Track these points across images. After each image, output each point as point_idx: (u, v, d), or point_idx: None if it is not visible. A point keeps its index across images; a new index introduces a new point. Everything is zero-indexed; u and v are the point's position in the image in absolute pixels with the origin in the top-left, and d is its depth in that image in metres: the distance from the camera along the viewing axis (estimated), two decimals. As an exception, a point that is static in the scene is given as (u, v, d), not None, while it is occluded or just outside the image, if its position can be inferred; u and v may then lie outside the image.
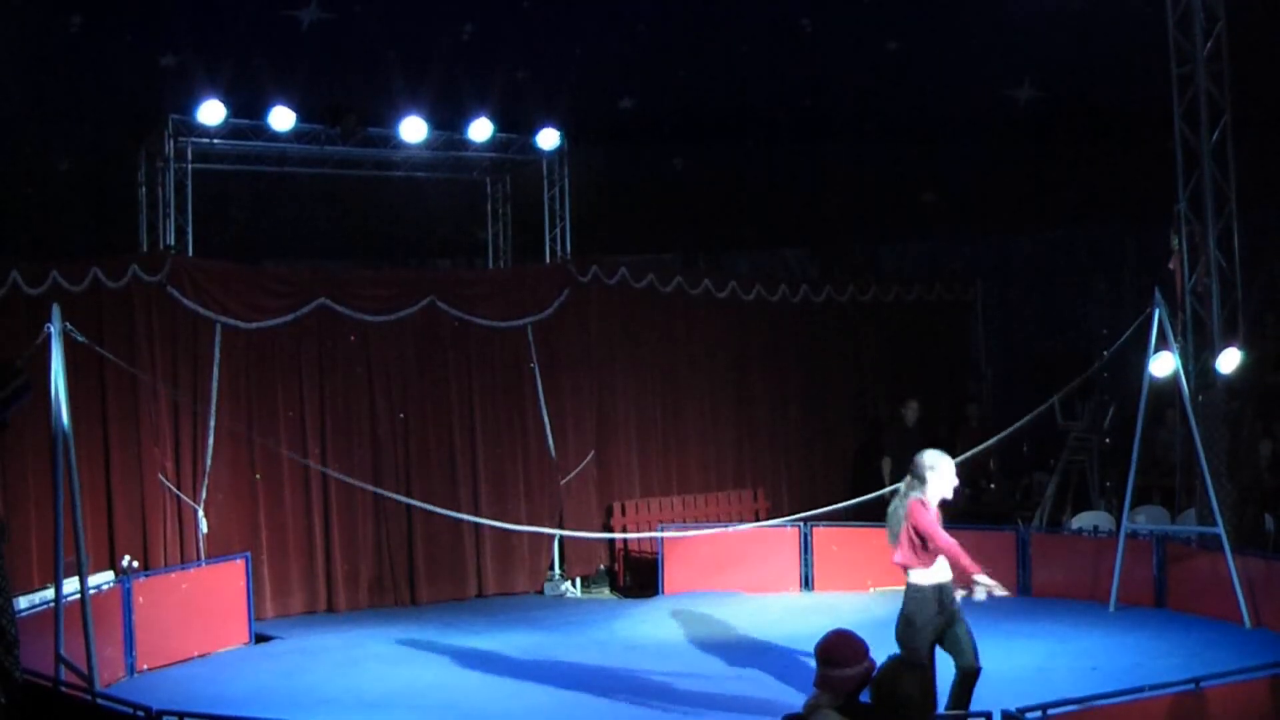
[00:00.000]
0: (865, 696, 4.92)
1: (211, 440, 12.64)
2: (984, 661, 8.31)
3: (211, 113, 13.05)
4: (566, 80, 14.13)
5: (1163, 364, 11.57)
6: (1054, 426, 14.93)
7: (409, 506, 13.42)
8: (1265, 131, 12.55)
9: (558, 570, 14.45)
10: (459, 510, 13.62)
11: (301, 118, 13.48)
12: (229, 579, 11.66)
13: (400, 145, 14.29)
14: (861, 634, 5.22)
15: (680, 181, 16.27)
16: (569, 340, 14.63)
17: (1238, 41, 11.66)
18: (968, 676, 7.93)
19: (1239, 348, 11.79)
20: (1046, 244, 17.64)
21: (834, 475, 15.93)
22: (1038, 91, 14.68)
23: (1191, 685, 7.26)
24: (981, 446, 12.55)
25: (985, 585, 7.79)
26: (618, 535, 14.31)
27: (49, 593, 9.96)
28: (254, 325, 13.06)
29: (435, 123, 14.03)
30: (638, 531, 14.37)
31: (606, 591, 14.37)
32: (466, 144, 14.57)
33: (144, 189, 13.38)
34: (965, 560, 7.80)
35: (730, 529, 13.88)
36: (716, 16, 13.62)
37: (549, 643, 11.53)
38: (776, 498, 15.68)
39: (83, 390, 11.26)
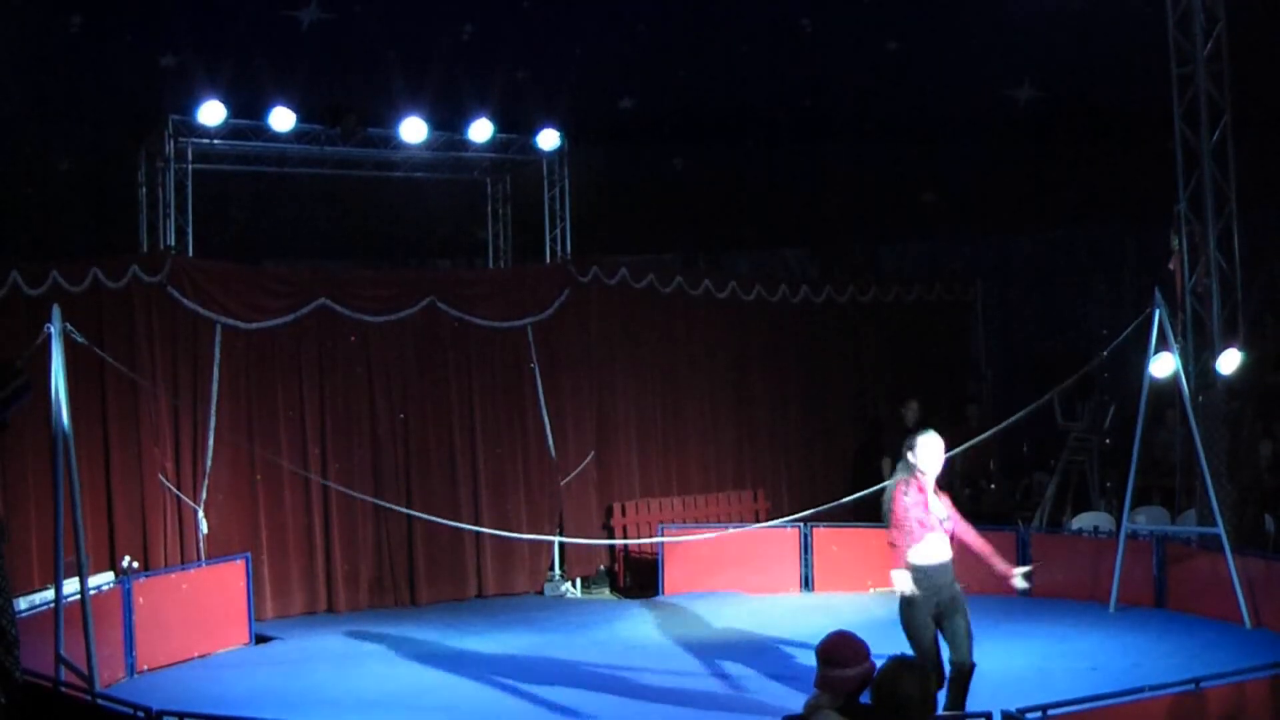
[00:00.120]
0: (866, 697, 4.92)
1: (212, 441, 12.64)
2: (984, 662, 8.33)
3: (211, 113, 13.05)
4: (566, 80, 14.13)
5: (1163, 364, 11.57)
6: (1054, 427, 14.93)
7: (409, 507, 13.43)
8: (1265, 131, 12.55)
9: (558, 571, 14.45)
10: (459, 511, 13.65)
11: (301, 118, 13.48)
12: (229, 579, 11.66)
13: (400, 145, 14.29)
14: (861, 635, 5.22)
15: (680, 181, 16.27)
16: (569, 340, 14.63)
17: (1238, 41, 11.66)
18: (961, 673, 7.95)
19: (1239, 348, 11.79)
20: (1046, 244, 17.63)
21: (834, 475, 15.92)
22: (1038, 91, 14.68)
23: (1191, 685, 7.26)
24: (977, 439, 12.53)
25: (899, 582, 8.07)
26: (618, 541, 14.30)
27: (49, 593, 9.96)
28: (254, 325, 13.06)
29: (435, 123, 14.03)
30: (638, 531, 14.38)
31: (606, 592, 14.37)
32: (466, 144, 14.57)
33: (144, 189, 13.38)
34: (900, 547, 8.05)
35: (730, 530, 13.89)
36: (716, 16, 13.62)
37: (549, 643, 11.53)
38: (777, 498, 15.67)
39: (83, 390, 11.26)
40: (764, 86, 14.80)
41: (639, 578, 14.20)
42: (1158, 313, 11.36)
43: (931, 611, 8.03)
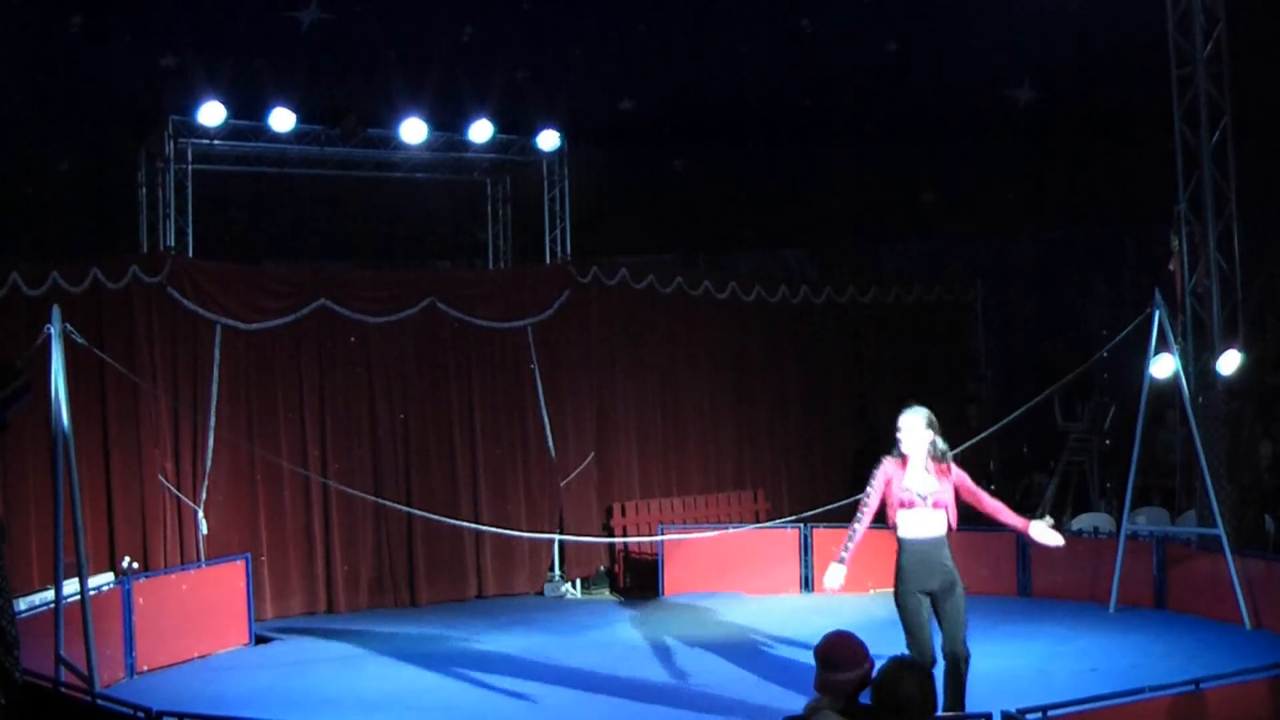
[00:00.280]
0: (866, 697, 4.92)
1: (211, 441, 12.64)
2: (985, 662, 8.32)
3: (211, 114, 13.05)
4: (566, 81, 14.13)
5: (1163, 365, 11.57)
6: (1054, 427, 14.94)
7: (409, 507, 13.45)
8: (1265, 132, 12.56)
9: (558, 571, 14.45)
10: (459, 511, 13.64)
11: (301, 118, 13.48)
12: (229, 580, 11.65)
13: (400, 146, 14.29)
14: (861, 635, 5.22)
15: (680, 182, 16.27)
16: (569, 341, 14.63)
17: (1237, 42, 11.67)
18: (953, 664, 7.90)
19: (1239, 349, 11.79)
20: (1046, 244, 17.64)
21: (834, 476, 15.92)
22: (1038, 92, 14.68)
23: (1191, 686, 7.27)
24: (978, 438, 12.53)
25: (829, 578, 8.32)
26: (617, 540, 14.30)
27: (49, 594, 9.96)
28: (254, 326, 13.06)
29: (435, 124, 14.03)
30: (638, 532, 14.38)
31: (606, 593, 14.37)
32: (466, 145, 14.57)
33: (144, 189, 13.38)
34: (858, 527, 8.18)
35: (730, 530, 13.89)
36: (716, 16, 13.63)
37: (549, 644, 11.52)
38: (777, 499, 15.67)
39: (83, 391, 11.26)
40: (764, 86, 14.80)
41: (639, 578, 14.20)
42: (1158, 313, 11.36)
43: (922, 589, 7.96)
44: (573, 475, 14.46)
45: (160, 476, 12.34)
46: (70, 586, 9.64)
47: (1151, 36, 11.96)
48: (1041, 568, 12.58)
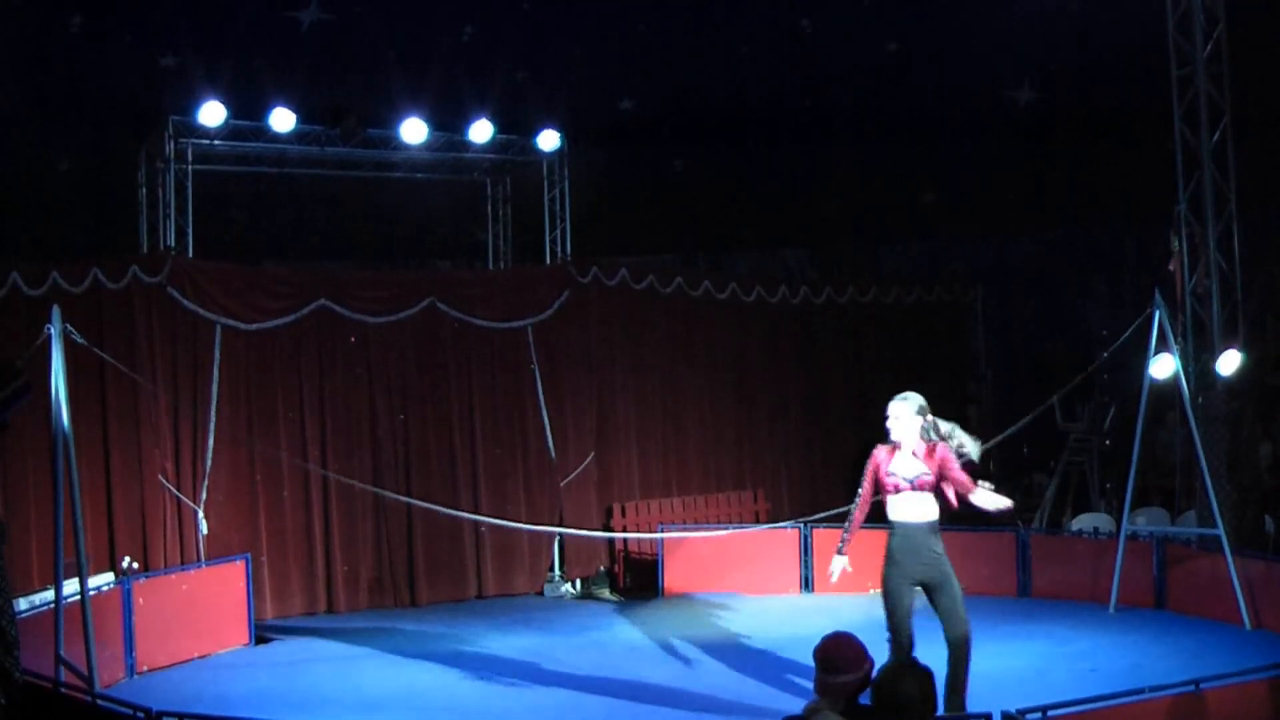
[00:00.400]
0: (866, 698, 4.92)
1: (211, 441, 12.64)
2: (985, 662, 8.33)
3: (212, 114, 13.05)
4: (566, 81, 14.13)
5: (1163, 365, 11.57)
6: (1054, 428, 14.94)
7: (409, 507, 13.45)
8: (1265, 132, 12.56)
9: (558, 571, 14.45)
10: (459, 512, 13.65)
11: (301, 119, 13.48)
12: (229, 580, 11.65)
13: (400, 146, 14.29)
14: (861, 636, 5.22)
15: (680, 182, 16.27)
16: (569, 341, 14.63)
17: (1238, 43, 11.67)
18: (954, 648, 7.93)
19: (1239, 349, 11.80)
20: (1046, 244, 17.65)
21: (834, 477, 15.91)
22: (1038, 92, 14.69)
23: (1191, 687, 7.27)
24: (995, 440, 12.51)
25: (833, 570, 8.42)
26: (617, 535, 14.29)
27: (49, 594, 9.96)
28: (254, 326, 13.06)
29: (435, 124, 14.03)
30: (638, 532, 14.37)
31: (606, 593, 14.36)
32: (467, 145, 14.57)
33: (144, 190, 13.38)
34: (854, 515, 8.40)
35: (730, 530, 13.90)
36: (716, 16, 13.63)
37: (549, 644, 11.52)
38: (777, 499, 15.67)
39: (83, 391, 11.26)
40: (764, 86, 14.80)
41: (639, 579, 14.20)
42: (1158, 314, 11.36)
43: (911, 578, 8.02)
44: (573, 475, 14.46)
45: (160, 476, 12.34)
46: (70, 586, 9.64)
47: (1151, 36, 11.96)
48: (1041, 568, 12.59)
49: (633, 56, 14.23)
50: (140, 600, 10.65)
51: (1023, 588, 12.62)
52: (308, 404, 13.30)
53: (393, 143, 14.24)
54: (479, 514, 13.81)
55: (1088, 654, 10.17)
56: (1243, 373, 11.86)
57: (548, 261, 15.09)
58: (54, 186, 14.12)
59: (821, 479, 16.02)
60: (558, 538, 14.40)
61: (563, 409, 14.52)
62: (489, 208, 15.79)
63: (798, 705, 5.22)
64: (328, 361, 13.45)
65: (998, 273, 17.76)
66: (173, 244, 13.09)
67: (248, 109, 13.31)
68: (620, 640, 11.69)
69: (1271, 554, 11.67)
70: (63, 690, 8.16)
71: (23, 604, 9.87)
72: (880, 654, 5.03)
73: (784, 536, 13.53)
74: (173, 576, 11.48)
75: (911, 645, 8.00)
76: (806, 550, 13.41)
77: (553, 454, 14.42)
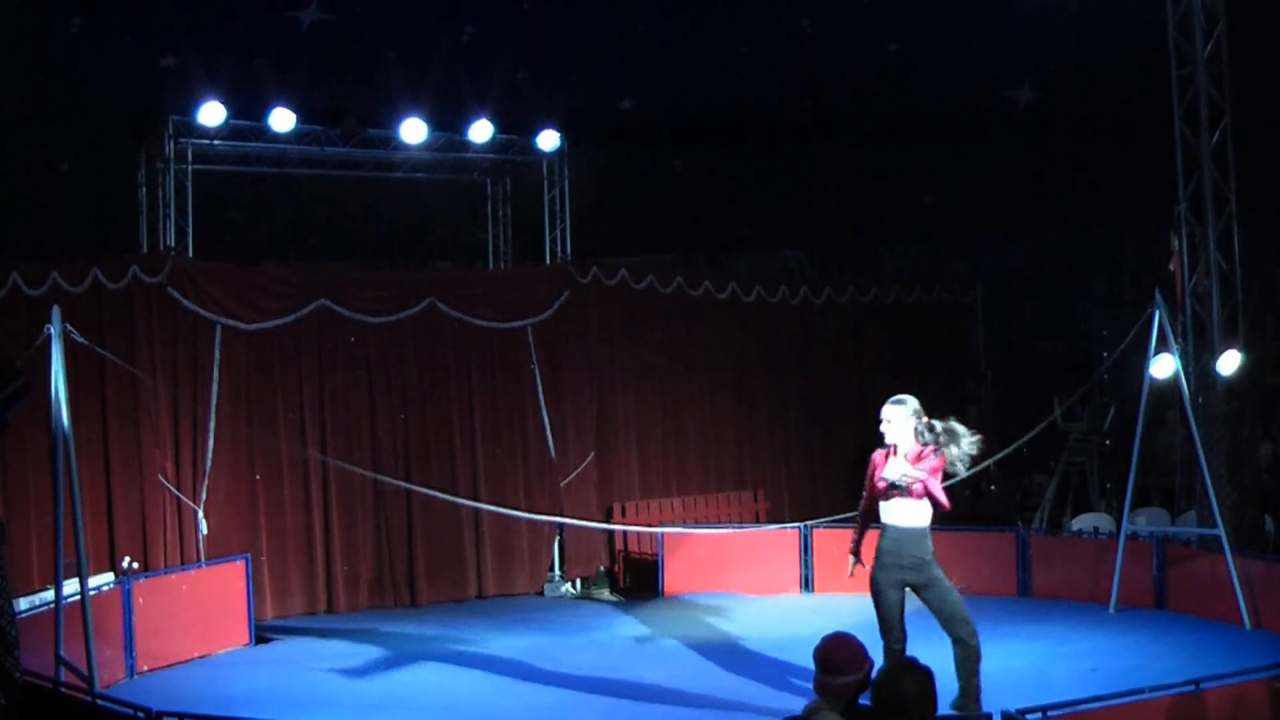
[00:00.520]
0: (866, 698, 4.92)
1: (212, 441, 12.64)
2: (985, 662, 8.32)
3: (211, 114, 13.05)
4: (566, 81, 14.13)
5: (1163, 366, 11.57)
6: (1054, 428, 14.94)
7: (409, 507, 13.47)
8: (1265, 132, 12.56)
9: (558, 571, 14.45)
10: (458, 511, 13.64)
11: (301, 119, 13.48)
12: (229, 580, 11.65)
13: (400, 146, 14.29)
14: (861, 637, 5.22)
15: (680, 182, 16.27)
16: (569, 341, 14.63)
17: (1238, 42, 11.67)
18: (958, 646, 7.97)
19: (1239, 349, 11.80)
20: (1046, 244, 17.65)
21: (834, 477, 15.93)
22: (1038, 92, 14.68)
23: (1191, 686, 7.28)
24: (993, 460, 12.58)
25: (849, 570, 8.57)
26: (616, 527, 14.27)
27: (49, 594, 9.96)
28: (254, 326, 13.05)
29: (435, 124, 14.03)
30: (638, 534, 14.36)
31: (606, 593, 14.37)
32: (466, 145, 14.57)
33: (144, 190, 13.38)
34: (859, 519, 8.61)
35: (730, 530, 13.90)
36: (716, 16, 13.62)
37: (549, 643, 11.53)
38: (777, 499, 15.68)
39: (83, 391, 11.25)
40: (764, 86, 14.80)
41: (639, 578, 14.20)
42: (1158, 314, 11.36)
43: (897, 579, 8.14)
44: (573, 475, 14.46)
45: (160, 476, 12.34)
46: (70, 586, 9.64)
47: (1151, 36, 11.96)
48: (1041, 568, 12.59)
49: (633, 56, 14.22)
50: (140, 600, 10.65)
51: (1023, 588, 12.62)
52: (308, 404, 13.30)
53: (393, 143, 14.24)
54: (479, 517, 13.82)
55: (1088, 654, 10.16)
56: (1243, 373, 11.86)
57: (548, 261, 15.09)
58: (54, 186, 14.12)
59: (821, 479, 16.02)
60: (558, 539, 14.40)
61: (563, 409, 14.52)
62: (489, 208, 15.79)
63: (798, 705, 5.22)
64: (328, 361, 13.45)
65: (998, 273, 17.76)
66: (173, 244, 13.09)
67: (248, 109, 13.30)
68: (620, 640, 11.69)
69: (1271, 554, 11.68)
70: (63, 690, 8.16)
71: (23, 604, 9.87)
72: (880, 654, 5.02)
73: (784, 536, 13.53)
74: (173, 576, 11.48)
75: (903, 645, 8.07)
76: (806, 550, 13.41)
77: (553, 454, 14.42)
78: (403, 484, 12.99)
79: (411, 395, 13.81)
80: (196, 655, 11.05)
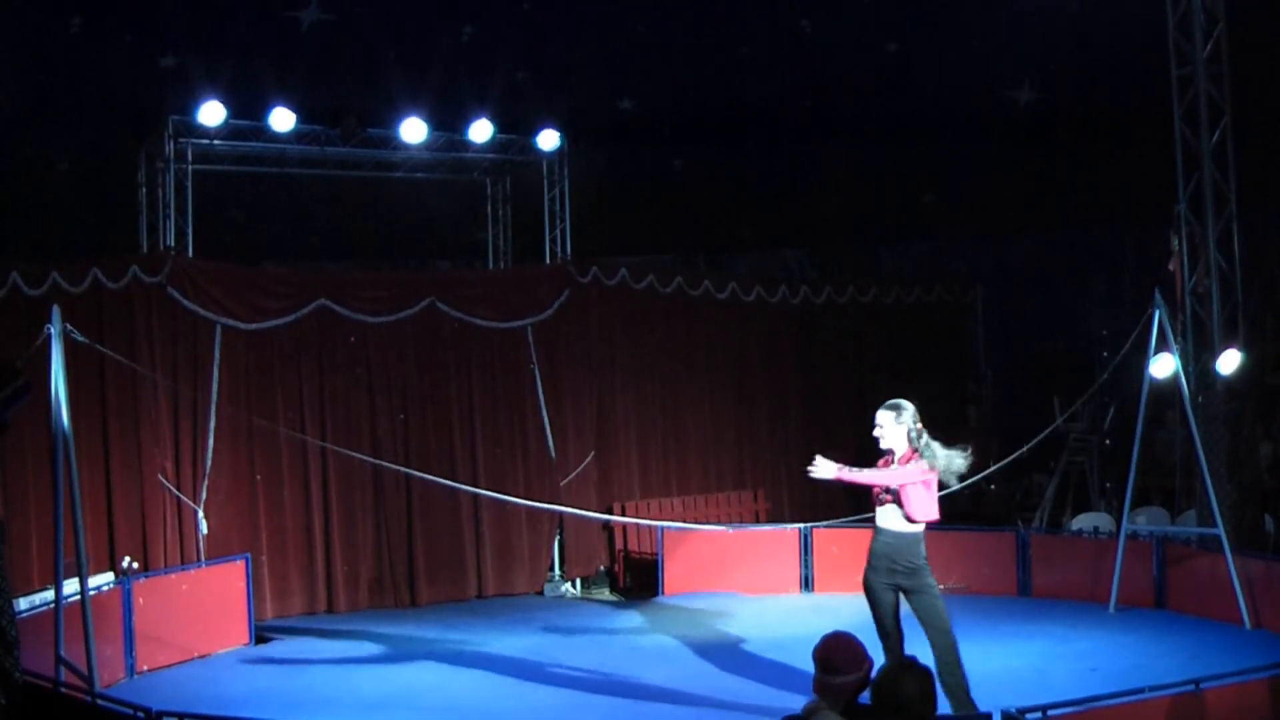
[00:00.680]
0: (866, 697, 4.92)
1: (211, 441, 12.64)
2: (985, 662, 8.34)
3: (211, 114, 13.05)
4: (566, 81, 14.13)
5: (1163, 365, 11.57)
6: (1054, 428, 14.93)
7: (409, 508, 13.47)
8: (1265, 132, 12.56)
9: (558, 571, 14.45)
10: (458, 510, 13.68)
11: (301, 119, 13.48)
12: (229, 580, 11.65)
13: (400, 146, 14.29)
14: (861, 636, 5.22)
15: (680, 182, 16.26)
16: (569, 341, 14.63)
17: (1238, 42, 11.67)
18: (937, 659, 7.96)
19: (1239, 349, 11.79)
20: (1046, 244, 17.64)
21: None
22: (1038, 92, 14.68)
23: (1191, 686, 7.27)
24: (994, 468, 12.62)
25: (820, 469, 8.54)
26: (616, 519, 14.25)
27: (49, 593, 9.95)
28: (254, 326, 13.06)
29: (435, 124, 14.03)
30: (638, 531, 14.38)
31: (606, 592, 14.37)
32: (466, 145, 14.57)
33: (144, 190, 13.38)
34: (866, 473, 8.50)
35: (730, 530, 13.90)
36: (716, 16, 13.62)
37: (549, 643, 11.53)
38: (777, 499, 15.67)
39: (83, 391, 11.25)
40: (764, 86, 14.79)
41: (639, 578, 14.20)
42: (1158, 313, 11.36)
43: (887, 581, 8.18)
44: (573, 475, 14.46)
45: (160, 476, 12.34)
46: (70, 586, 9.64)
47: (1151, 36, 11.96)
48: (1041, 567, 12.59)
49: (633, 56, 14.22)
50: (140, 600, 10.65)
51: (1023, 587, 12.62)
52: (308, 404, 13.30)
53: (393, 143, 14.24)
54: (479, 517, 13.83)
55: (1088, 654, 10.16)
56: (1243, 372, 11.85)
57: (548, 261, 15.09)
58: (54, 186, 14.11)
59: (821, 480, 15.97)
60: (558, 538, 14.41)
61: (563, 409, 14.52)
62: (489, 208, 15.78)
63: (798, 705, 5.21)
64: (328, 361, 13.45)
65: (998, 273, 17.76)
66: (172, 244, 13.09)
67: (248, 109, 13.30)
68: (620, 640, 11.69)
69: (1271, 554, 11.68)
70: (63, 690, 8.16)
71: (23, 604, 9.86)
72: (879, 654, 5.03)
73: (784, 536, 13.53)
74: (173, 576, 11.49)
75: (901, 644, 8.07)
76: (806, 550, 13.41)
77: (553, 454, 14.42)
78: (403, 469, 12.97)
79: (411, 395, 13.82)
80: (196, 655, 11.05)
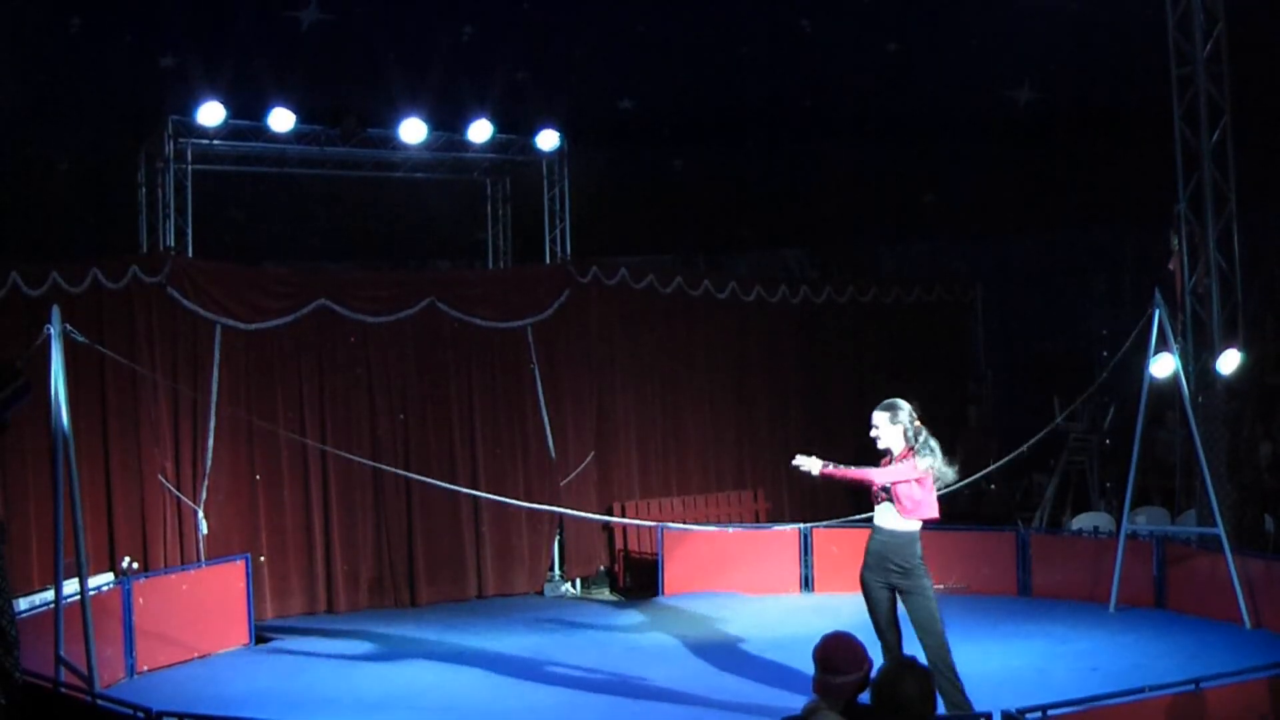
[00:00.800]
0: (866, 697, 4.92)
1: (211, 441, 12.64)
2: (985, 662, 8.34)
3: (211, 114, 13.05)
4: (566, 81, 14.13)
5: (1163, 365, 11.57)
6: (1054, 427, 14.93)
7: (409, 508, 13.47)
8: (1265, 131, 12.56)
9: (558, 571, 14.46)
10: (458, 510, 13.67)
11: (301, 119, 13.48)
12: (229, 580, 11.65)
13: (400, 146, 14.28)
14: (860, 636, 5.22)
15: (680, 182, 16.26)
16: (569, 341, 14.64)
17: (1238, 42, 11.67)
18: (927, 657, 7.97)
19: (1239, 349, 11.79)
20: (1046, 244, 17.63)
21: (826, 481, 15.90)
22: (1037, 92, 14.68)
23: (1191, 686, 7.27)
24: (994, 467, 12.62)
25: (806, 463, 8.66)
26: (615, 519, 14.25)
27: (49, 593, 9.95)
28: (254, 326, 13.06)
29: (435, 124, 14.03)
30: (638, 531, 14.37)
31: (606, 592, 14.37)
32: (466, 145, 14.56)
33: (144, 190, 13.38)
34: (854, 470, 8.62)
35: (730, 529, 13.90)
36: (716, 16, 13.62)
37: (549, 643, 11.53)
38: (777, 499, 15.67)
39: (83, 391, 11.26)
40: (764, 86, 14.79)
41: (639, 578, 14.20)
42: (1158, 313, 11.36)
43: (882, 579, 8.19)
44: (573, 475, 14.46)
45: (160, 476, 12.34)
46: (70, 586, 9.63)
47: (1151, 37, 11.96)
48: (1041, 567, 12.59)
49: (633, 56, 14.21)
50: (140, 600, 10.65)
51: (1023, 587, 12.62)
52: (308, 404, 13.30)
53: (392, 143, 14.24)
54: (479, 517, 13.83)
55: (1088, 653, 10.17)
56: (1242, 372, 11.86)
57: (547, 261, 15.09)
58: (54, 186, 14.11)
59: (821, 480, 15.96)
60: (558, 538, 14.41)
61: (563, 409, 14.52)
62: (489, 207, 15.78)
63: (798, 705, 5.21)
64: (328, 361, 13.45)
65: (998, 273, 17.76)
66: (172, 244, 13.09)
67: (247, 109, 13.30)
68: (620, 640, 11.69)
69: (1271, 553, 11.68)
70: (63, 690, 8.16)
71: (23, 604, 9.86)
72: (878, 653, 5.03)
73: (784, 536, 13.53)
74: (173, 576, 11.49)
75: (899, 643, 8.08)
76: (806, 550, 13.41)
77: (553, 454, 14.42)
78: (403, 472, 12.98)
79: (411, 395, 13.82)
80: (196, 655, 11.05)
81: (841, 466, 8.43)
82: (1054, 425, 13.02)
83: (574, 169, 14.99)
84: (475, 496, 13.87)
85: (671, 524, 13.89)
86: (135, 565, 11.68)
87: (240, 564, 11.77)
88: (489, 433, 14.13)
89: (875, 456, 8.62)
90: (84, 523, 10.13)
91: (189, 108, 13.02)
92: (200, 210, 13.40)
